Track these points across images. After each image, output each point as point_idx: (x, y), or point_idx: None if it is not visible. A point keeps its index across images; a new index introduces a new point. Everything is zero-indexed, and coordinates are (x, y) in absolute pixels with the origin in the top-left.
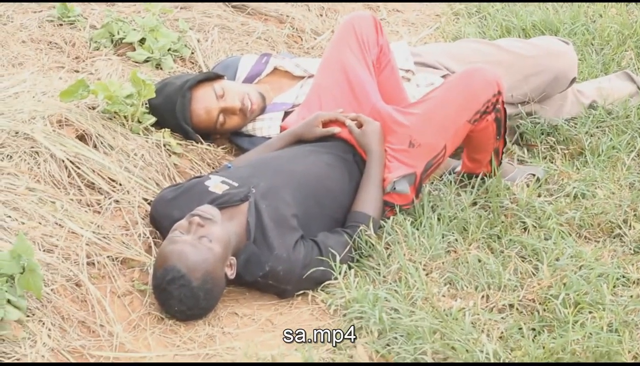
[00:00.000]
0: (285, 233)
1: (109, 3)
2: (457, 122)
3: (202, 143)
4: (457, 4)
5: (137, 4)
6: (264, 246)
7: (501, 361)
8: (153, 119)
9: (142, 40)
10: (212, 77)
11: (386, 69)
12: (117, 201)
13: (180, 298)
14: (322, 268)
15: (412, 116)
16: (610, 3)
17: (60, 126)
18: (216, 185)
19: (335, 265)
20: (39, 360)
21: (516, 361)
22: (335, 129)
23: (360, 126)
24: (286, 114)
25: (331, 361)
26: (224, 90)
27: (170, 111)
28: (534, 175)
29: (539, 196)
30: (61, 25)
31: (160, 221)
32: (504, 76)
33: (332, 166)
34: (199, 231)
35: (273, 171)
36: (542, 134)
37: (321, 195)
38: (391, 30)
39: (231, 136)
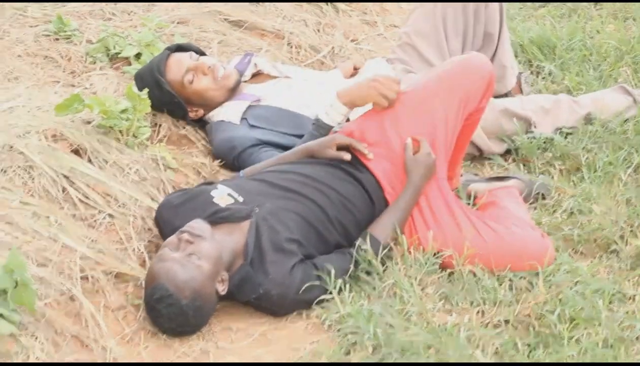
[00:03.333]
0: (283, 257)
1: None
2: None
3: (177, 100)
4: None
5: (134, 19)
6: (260, 268)
7: None
8: (148, 133)
9: (138, 55)
10: (195, 49)
11: (465, 125)
12: (111, 216)
13: (169, 316)
14: (317, 292)
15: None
16: (607, 19)
17: (55, 140)
18: (221, 197)
19: (330, 282)
20: None
21: None
22: (346, 156)
23: (417, 150)
24: (249, 107)
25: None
26: (199, 58)
27: (148, 70)
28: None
29: (535, 209)
30: (57, 39)
31: (163, 226)
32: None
33: (347, 199)
34: (187, 249)
35: (282, 190)
36: (539, 149)
37: (327, 224)
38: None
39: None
